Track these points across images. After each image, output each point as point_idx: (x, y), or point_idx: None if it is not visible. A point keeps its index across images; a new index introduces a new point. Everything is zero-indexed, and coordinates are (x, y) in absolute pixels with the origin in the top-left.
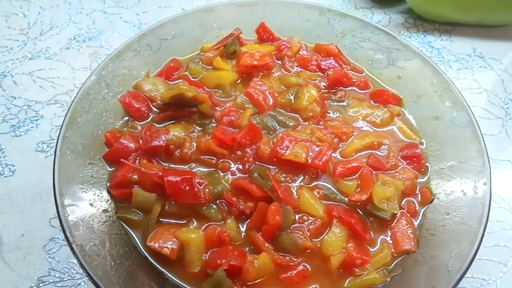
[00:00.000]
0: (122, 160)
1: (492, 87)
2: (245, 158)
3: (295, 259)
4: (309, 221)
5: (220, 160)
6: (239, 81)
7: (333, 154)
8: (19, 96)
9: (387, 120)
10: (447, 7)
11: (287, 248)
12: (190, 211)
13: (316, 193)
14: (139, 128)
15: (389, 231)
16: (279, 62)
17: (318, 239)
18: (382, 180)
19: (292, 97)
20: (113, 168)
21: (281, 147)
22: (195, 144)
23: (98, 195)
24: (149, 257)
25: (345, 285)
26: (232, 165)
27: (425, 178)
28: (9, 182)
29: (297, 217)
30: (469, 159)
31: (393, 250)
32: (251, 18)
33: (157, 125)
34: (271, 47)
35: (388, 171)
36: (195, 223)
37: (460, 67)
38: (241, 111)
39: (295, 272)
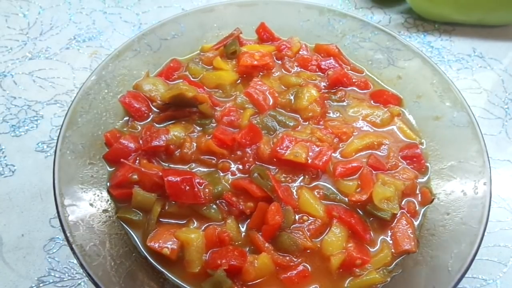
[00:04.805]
0: (122, 160)
1: (492, 87)
2: (245, 158)
3: (295, 259)
4: (309, 221)
5: (220, 160)
6: (239, 81)
7: (333, 154)
8: (19, 96)
9: (387, 120)
10: (447, 7)
11: (287, 248)
12: (190, 211)
13: (316, 193)
14: (139, 128)
15: (389, 231)
16: (279, 62)
17: (318, 239)
18: (382, 180)
19: (292, 97)
20: (113, 168)
21: (281, 147)
22: (195, 144)
23: (98, 195)
24: (149, 257)
25: (345, 285)
26: (232, 165)
27: (425, 178)
28: (9, 182)
29: (297, 217)
30: (469, 159)
31: (393, 250)
32: (251, 18)
33: (157, 125)
34: (271, 47)
35: (388, 171)
36: (195, 223)
37: (460, 67)
38: (241, 111)
39: (295, 272)
